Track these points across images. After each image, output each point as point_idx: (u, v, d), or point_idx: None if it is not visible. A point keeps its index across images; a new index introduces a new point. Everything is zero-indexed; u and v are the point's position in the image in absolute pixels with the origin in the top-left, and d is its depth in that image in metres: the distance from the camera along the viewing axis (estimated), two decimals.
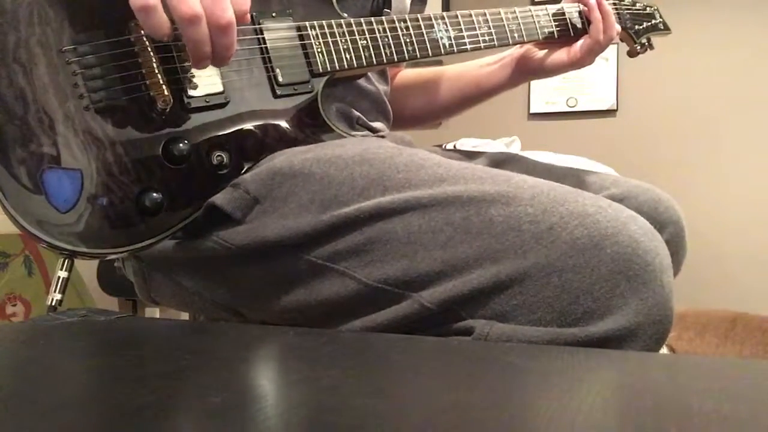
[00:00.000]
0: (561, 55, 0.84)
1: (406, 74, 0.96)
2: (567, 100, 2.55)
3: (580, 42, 0.83)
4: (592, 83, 2.50)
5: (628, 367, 0.41)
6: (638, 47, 0.94)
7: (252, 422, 0.29)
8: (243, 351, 0.45)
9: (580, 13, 0.85)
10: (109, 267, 2.11)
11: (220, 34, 0.52)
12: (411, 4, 0.82)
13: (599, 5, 0.83)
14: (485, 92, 0.91)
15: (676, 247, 0.74)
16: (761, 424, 0.29)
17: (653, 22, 0.96)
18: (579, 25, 0.85)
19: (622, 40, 0.94)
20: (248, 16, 0.55)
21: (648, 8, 0.96)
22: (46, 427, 0.28)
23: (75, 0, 0.55)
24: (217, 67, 0.58)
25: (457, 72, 0.93)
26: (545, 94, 2.56)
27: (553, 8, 0.84)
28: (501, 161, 0.83)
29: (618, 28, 0.86)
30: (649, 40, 0.95)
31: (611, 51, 2.47)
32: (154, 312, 2.19)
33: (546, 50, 0.86)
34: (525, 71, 0.88)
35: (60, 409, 0.31)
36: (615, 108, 2.49)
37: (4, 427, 0.28)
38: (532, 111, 2.59)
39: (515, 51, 0.88)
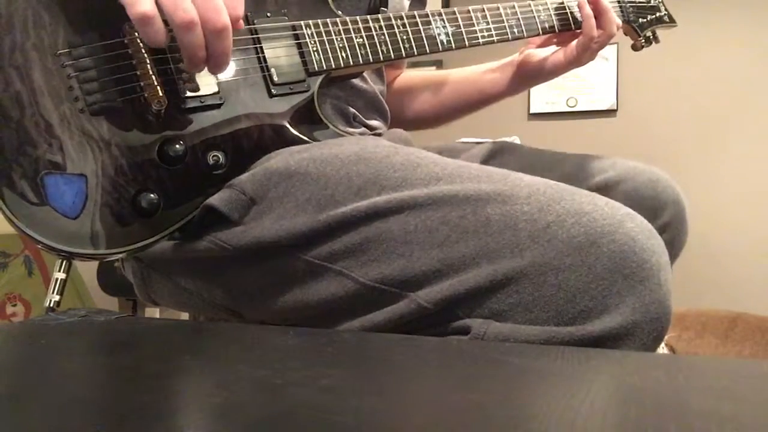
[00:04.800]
0: (558, 55, 0.84)
1: (410, 76, 0.96)
2: (567, 100, 2.55)
3: (575, 40, 0.82)
4: (592, 83, 2.50)
5: (627, 367, 0.41)
6: (642, 41, 0.92)
7: (252, 422, 0.29)
8: (243, 351, 0.45)
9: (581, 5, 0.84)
10: (109, 267, 2.11)
11: (216, 39, 0.53)
12: (410, 4, 0.82)
13: (592, 1, 0.81)
14: (488, 98, 0.92)
15: (678, 226, 0.74)
16: (761, 424, 0.29)
17: (658, 14, 0.93)
18: (581, 18, 0.83)
19: (625, 34, 0.92)
20: (242, 22, 0.56)
21: (652, 0, 0.94)
22: (46, 427, 0.28)
23: (70, 3, 0.55)
24: (215, 74, 0.58)
25: (461, 77, 0.93)
26: (545, 94, 2.56)
27: (553, 1, 0.82)
28: (500, 150, 0.83)
29: (619, 21, 0.84)
30: (654, 33, 0.93)
31: (611, 50, 2.47)
32: (154, 312, 2.19)
33: (544, 53, 0.85)
34: (526, 76, 0.88)
35: (60, 409, 0.31)
36: (615, 108, 2.49)
37: (5, 427, 0.28)
38: (532, 111, 2.59)
39: (516, 57, 0.88)
